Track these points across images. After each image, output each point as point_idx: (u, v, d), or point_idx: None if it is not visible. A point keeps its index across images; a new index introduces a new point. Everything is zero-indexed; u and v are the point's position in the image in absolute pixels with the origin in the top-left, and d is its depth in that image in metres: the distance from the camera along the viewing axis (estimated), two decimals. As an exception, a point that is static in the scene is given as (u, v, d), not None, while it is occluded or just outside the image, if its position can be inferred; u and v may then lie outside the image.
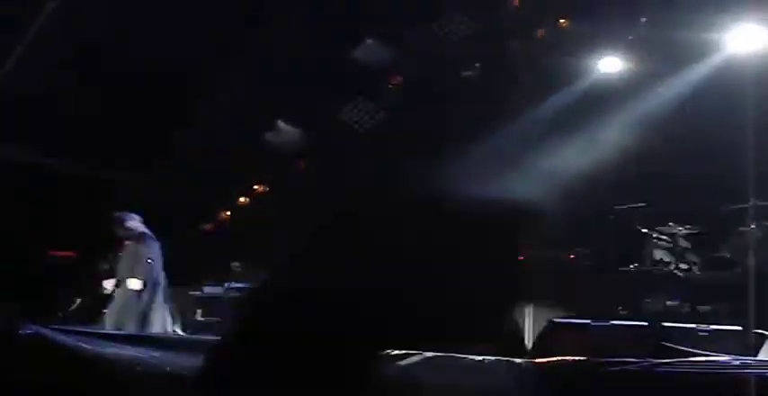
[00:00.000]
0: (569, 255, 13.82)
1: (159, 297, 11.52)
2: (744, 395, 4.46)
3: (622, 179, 13.66)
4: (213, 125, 15.50)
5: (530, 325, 9.97)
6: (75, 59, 13.59)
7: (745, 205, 11.97)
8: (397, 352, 5.01)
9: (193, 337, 8.98)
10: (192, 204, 16.08)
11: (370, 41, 15.05)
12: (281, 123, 15.96)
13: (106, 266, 13.56)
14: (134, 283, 11.38)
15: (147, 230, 11.81)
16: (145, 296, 11.36)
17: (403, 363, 4.93)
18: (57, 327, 5.22)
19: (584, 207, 13.60)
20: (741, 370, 4.74)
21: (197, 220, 16.48)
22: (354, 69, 15.28)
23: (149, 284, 11.43)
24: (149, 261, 11.48)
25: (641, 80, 14.00)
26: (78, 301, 13.37)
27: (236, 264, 14.41)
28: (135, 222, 11.81)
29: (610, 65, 14.19)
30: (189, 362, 4.86)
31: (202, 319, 13.32)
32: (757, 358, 6.22)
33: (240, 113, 15.50)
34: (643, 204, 12.80)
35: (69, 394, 4.57)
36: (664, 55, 13.69)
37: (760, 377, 4.53)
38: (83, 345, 4.87)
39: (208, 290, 13.72)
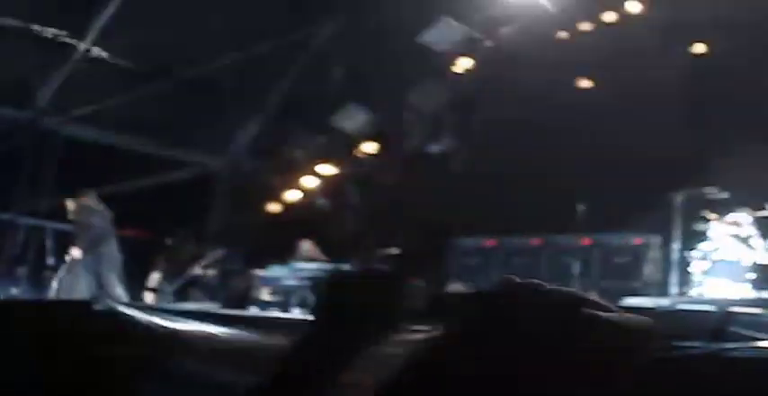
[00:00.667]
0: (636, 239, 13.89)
1: (105, 264, 12.32)
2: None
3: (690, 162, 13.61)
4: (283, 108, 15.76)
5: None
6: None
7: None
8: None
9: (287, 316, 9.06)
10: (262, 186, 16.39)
11: (440, 23, 15.10)
12: (350, 106, 16.13)
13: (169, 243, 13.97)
14: (74, 252, 12.36)
15: (93, 206, 12.69)
16: (85, 262, 12.17)
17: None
18: (132, 303, 5.23)
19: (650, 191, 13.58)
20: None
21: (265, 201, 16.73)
22: (424, 52, 15.38)
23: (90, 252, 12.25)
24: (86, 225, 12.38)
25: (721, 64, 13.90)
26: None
27: (306, 245, 14.58)
28: (85, 200, 12.73)
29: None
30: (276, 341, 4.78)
31: (270, 299, 13.53)
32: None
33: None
34: (712, 189, 12.75)
35: (144, 371, 4.63)
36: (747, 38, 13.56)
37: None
38: (159, 322, 4.91)
39: (272, 271, 13.88)
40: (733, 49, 13.80)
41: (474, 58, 15.78)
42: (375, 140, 16.25)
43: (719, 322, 6.25)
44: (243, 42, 15.03)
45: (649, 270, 13.89)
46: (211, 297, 13.81)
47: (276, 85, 16.94)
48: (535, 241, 14.58)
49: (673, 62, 14.27)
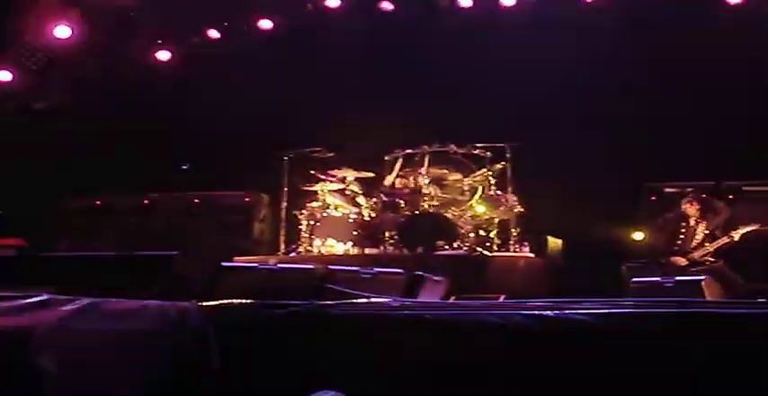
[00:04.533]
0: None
1: None
2: (403, 334, 4.61)
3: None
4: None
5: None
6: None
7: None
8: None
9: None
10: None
11: None
12: None
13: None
14: None
15: None
16: None
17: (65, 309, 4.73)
18: None
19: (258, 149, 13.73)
20: (399, 311, 4.91)
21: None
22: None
23: None
24: None
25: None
26: None
27: None
28: None
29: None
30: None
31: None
32: (416, 299, 6.47)
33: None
34: (319, 148, 13.05)
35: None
36: None
37: (416, 318, 4.70)
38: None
39: None
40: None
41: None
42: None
43: (320, 280, 6.38)
44: None
45: (259, 228, 14.06)
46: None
47: None
48: (145, 200, 14.30)
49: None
